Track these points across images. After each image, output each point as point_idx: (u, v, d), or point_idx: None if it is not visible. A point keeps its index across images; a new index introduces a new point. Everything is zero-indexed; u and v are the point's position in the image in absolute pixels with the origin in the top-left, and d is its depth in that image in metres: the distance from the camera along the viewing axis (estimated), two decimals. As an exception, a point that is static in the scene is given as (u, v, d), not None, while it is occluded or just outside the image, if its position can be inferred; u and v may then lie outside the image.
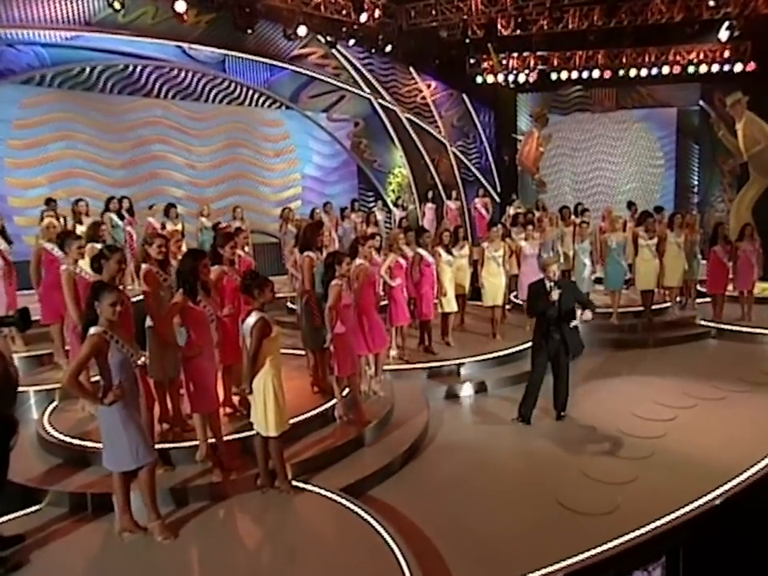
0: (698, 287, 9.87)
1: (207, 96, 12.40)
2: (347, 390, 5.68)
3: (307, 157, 14.03)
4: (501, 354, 7.60)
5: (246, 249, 7.04)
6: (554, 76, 15.26)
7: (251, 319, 4.37)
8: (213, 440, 4.74)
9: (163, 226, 9.53)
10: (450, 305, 7.81)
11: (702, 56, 14.42)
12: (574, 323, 5.76)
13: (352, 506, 4.37)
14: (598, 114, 16.38)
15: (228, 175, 12.81)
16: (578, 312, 5.70)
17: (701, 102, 15.34)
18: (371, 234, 6.70)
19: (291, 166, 13.79)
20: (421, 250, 7.45)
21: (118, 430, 3.79)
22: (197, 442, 4.74)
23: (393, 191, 15.47)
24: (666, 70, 14.64)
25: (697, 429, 5.89)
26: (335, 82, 14.22)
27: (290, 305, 9.53)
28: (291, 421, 4.69)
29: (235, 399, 5.54)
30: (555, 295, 5.67)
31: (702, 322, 9.23)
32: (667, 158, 16.28)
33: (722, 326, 9.01)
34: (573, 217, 10.50)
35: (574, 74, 15.19)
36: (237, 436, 5.04)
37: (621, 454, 5.40)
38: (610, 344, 8.75)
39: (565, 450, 5.54)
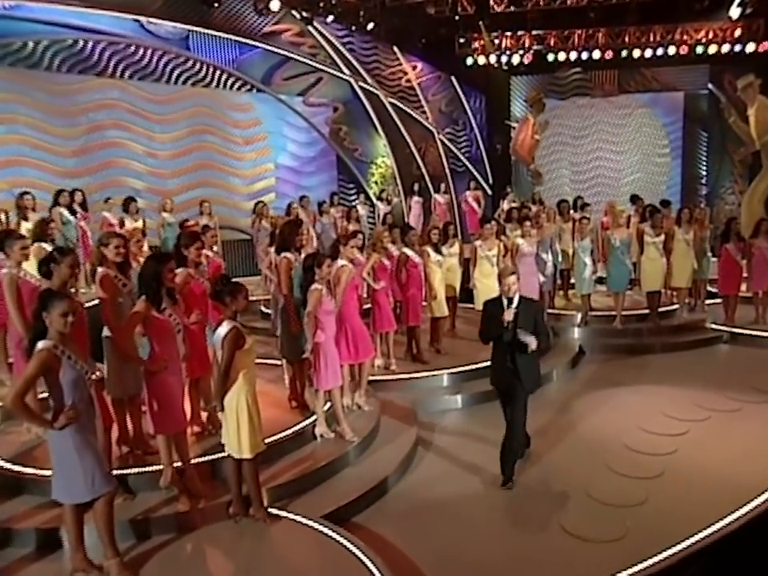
0: (709, 288, 9.96)
1: (169, 76, 12.27)
2: (328, 404, 5.64)
3: (281, 145, 13.97)
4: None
5: (215, 248, 6.96)
6: (550, 57, 15.36)
7: (222, 329, 4.30)
8: (179, 464, 4.66)
9: (121, 223, 9.40)
10: (441, 308, 7.82)
11: (711, 35, 14.60)
12: (531, 349, 4.98)
13: (335, 535, 4.32)
14: (598, 99, 16.52)
15: (193, 165, 12.72)
16: (522, 335, 4.97)
17: (710, 86, 15.53)
18: (353, 233, 6.66)
19: (263, 155, 13.73)
20: (407, 250, 7.44)
21: (70, 457, 3.67)
22: (161, 467, 4.66)
23: (376, 183, 15.45)
24: (672, 50, 14.81)
25: (711, 444, 5.92)
26: (312, 63, 14.17)
27: (263, 309, 9.46)
28: (267, 440, 4.63)
29: (204, 416, 5.46)
30: (509, 315, 4.95)
31: (713, 326, 9.30)
32: (673, 146, 16.49)
33: (735, 330, 9.08)
34: (572, 212, 10.55)
35: (573, 55, 15.29)
36: (206, 458, 4.96)
37: (628, 472, 5.39)
38: (613, 350, 8.80)
39: (567, 470, 5.52)
